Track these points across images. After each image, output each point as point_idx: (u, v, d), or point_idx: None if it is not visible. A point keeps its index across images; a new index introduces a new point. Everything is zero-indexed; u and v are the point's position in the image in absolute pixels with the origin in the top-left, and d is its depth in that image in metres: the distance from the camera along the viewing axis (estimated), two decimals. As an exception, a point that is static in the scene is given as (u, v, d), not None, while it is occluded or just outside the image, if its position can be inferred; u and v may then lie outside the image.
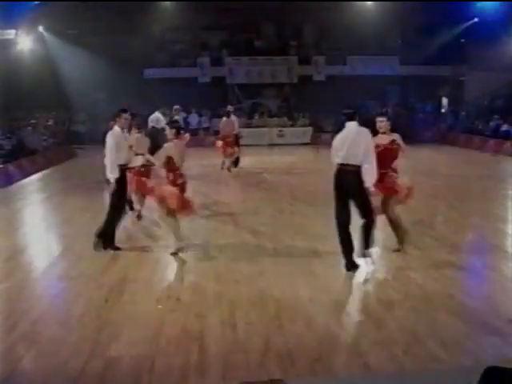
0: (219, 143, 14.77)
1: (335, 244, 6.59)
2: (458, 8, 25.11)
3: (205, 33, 27.43)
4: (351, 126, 6.45)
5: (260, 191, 12.49)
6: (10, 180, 13.71)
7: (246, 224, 9.07)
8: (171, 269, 6.94)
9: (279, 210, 10.20)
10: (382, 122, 7.03)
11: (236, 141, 15.05)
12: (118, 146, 7.23)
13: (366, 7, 24.73)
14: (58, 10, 22.86)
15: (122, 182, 7.34)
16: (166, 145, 7.17)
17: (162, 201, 7.05)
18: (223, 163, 14.93)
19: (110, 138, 7.23)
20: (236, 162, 15.22)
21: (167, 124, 7.73)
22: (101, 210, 10.12)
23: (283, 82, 26.44)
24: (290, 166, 16.92)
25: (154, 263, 7.05)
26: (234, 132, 15.06)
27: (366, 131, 6.44)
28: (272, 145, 21.94)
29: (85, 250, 7.54)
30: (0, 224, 9.44)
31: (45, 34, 23.38)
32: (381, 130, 7.01)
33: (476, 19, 25.34)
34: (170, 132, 7.17)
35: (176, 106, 18.16)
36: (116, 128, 7.34)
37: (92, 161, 18.75)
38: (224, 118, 15.27)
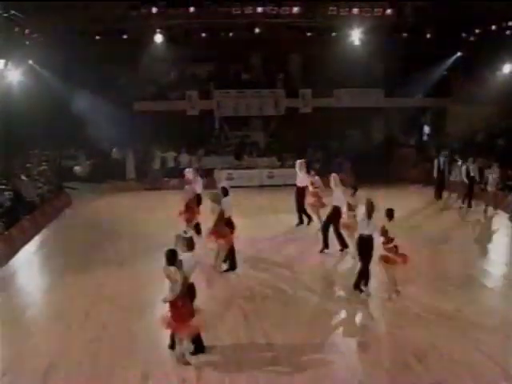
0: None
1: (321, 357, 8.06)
2: (443, 42, 25.86)
3: (193, 65, 27.72)
4: None
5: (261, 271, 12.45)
6: (14, 248, 13.68)
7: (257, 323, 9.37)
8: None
9: (285, 301, 10.42)
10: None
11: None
12: None
13: (352, 41, 25.18)
14: (47, 43, 22.94)
15: None
16: None
17: None
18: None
19: None
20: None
21: None
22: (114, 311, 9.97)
23: (271, 114, 26.95)
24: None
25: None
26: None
27: None
28: (262, 186, 22.29)
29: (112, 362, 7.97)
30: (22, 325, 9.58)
31: (35, 67, 23.31)
32: None
33: (459, 53, 26.14)
34: None
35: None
36: None
37: (89, 212, 18.60)
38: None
